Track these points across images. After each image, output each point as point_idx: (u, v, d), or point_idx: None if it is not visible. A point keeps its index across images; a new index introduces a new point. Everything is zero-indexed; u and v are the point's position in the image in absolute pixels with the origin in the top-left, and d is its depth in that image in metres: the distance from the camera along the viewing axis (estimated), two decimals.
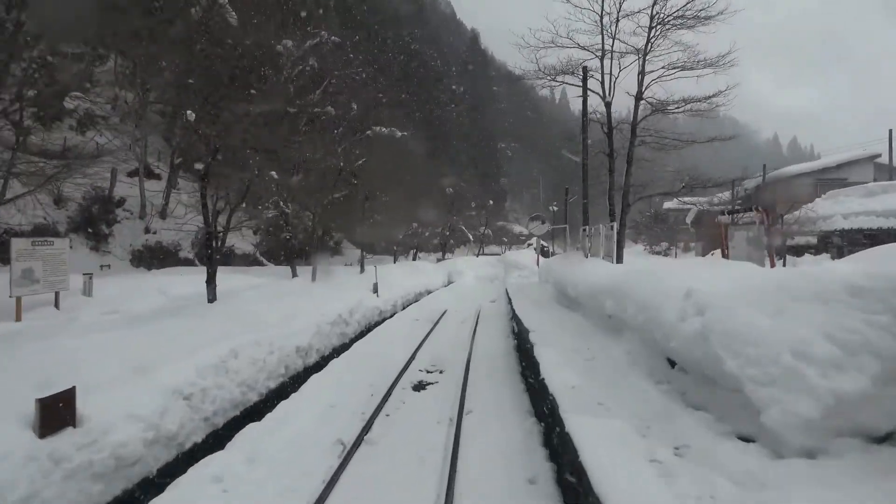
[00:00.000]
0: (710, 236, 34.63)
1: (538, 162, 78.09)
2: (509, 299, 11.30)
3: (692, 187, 11.20)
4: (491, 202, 43.34)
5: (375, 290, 12.43)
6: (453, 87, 56.58)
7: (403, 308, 13.73)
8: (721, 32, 9.91)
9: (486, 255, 42.32)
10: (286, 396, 5.97)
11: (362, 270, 15.58)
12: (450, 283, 20.05)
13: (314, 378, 6.50)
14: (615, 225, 8.41)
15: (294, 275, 16.70)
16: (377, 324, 11.37)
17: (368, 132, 30.18)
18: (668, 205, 58.57)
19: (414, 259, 24.60)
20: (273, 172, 17.50)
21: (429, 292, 17.31)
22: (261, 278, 14.54)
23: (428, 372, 6.95)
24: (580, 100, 11.80)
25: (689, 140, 10.96)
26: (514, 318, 8.64)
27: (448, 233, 26.77)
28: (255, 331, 6.86)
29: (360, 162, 25.85)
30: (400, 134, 30.77)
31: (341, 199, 23.44)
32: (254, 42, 21.07)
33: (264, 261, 25.55)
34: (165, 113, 24.67)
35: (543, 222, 14.92)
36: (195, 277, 12.65)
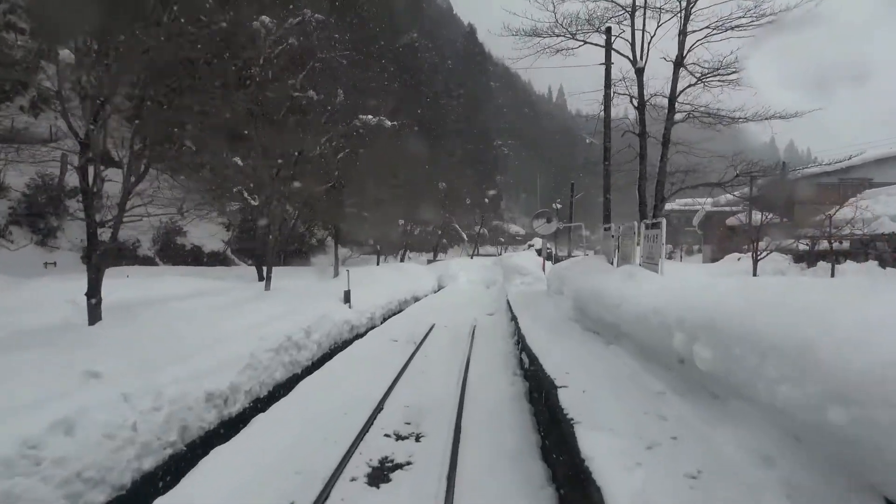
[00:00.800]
0: (720, 239, 32.59)
1: (536, 161, 76.00)
2: (513, 315, 9.01)
3: (750, 175, 8.91)
4: (487, 200, 41.11)
5: (347, 300, 10.12)
6: (449, 82, 54.27)
7: (383, 320, 11.41)
8: None
9: (482, 255, 39.99)
10: (161, 490, 3.66)
11: (336, 274, 13.25)
12: (440, 287, 17.74)
13: (217, 453, 4.17)
14: (662, 222, 6.14)
15: (261, 278, 14.36)
16: (346, 343, 9.05)
17: (356, 121, 27.90)
18: (669, 205, 56.65)
19: (402, 260, 22.24)
20: (237, 159, 15.15)
21: (416, 299, 15.00)
22: (215, 282, 12.18)
23: (398, 438, 4.61)
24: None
25: (741, 118, 8.69)
26: (523, 346, 6.34)
27: (440, 231, 24.46)
28: (140, 373, 4.53)
29: (342, 153, 23.57)
30: (390, 124, 28.49)
31: (324, 193, 21.28)
32: (230, 20, 18.71)
33: (236, 260, 23.10)
34: (134, 96, 22.34)
35: (550, 220, 12.59)
36: (143, 280, 10.39)
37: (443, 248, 41.23)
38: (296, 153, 16.31)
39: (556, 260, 19.64)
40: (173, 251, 22.08)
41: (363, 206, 22.32)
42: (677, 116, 8.73)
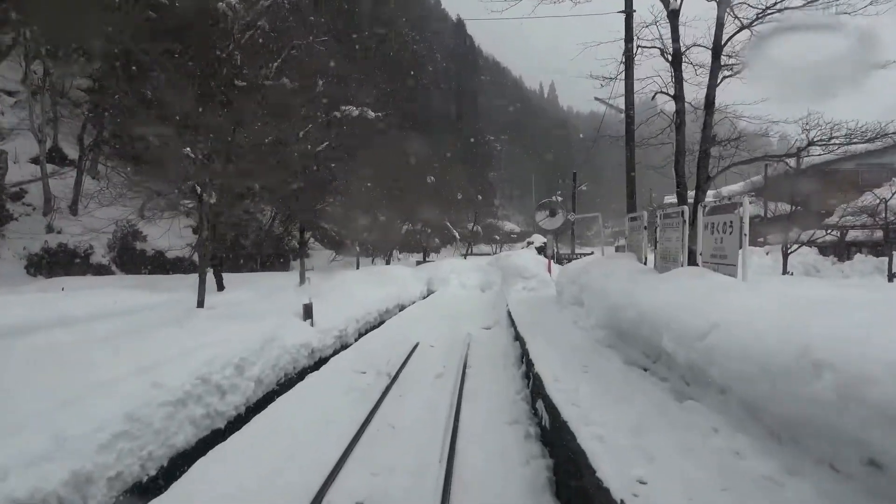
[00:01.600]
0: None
1: (529, 157, 74.15)
2: (517, 334, 6.98)
3: (829, 144, 6.91)
4: (480, 197, 39.10)
5: (308, 315, 8.07)
6: (438, 75, 52.19)
7: (358, 337, 9.36)
8: None
9: (476, 254, 37.94)
10: None
11: (302, 281, 11.15)
12: (430, 293, 15.69)
13: None
14: (743, 201, 4.16)
15: (220, 286, 12.28)
16: (305, 372, 7.00)
17: (336, 113, 25.90)
18: (669, 198, 54.83)
19: (389, 262, 20.15)
20: (188, 150, 13.03)
21: (401, 308, 12.94)
22: (154, 295, 10.10)
23: None
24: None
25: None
26: (538, 390, 4.28)
27: (430, 230, 22.41)
28: None
29: (321, 147, 21.48)
30: (374, 115, 26.45)
31: (299, 189, 19.19)
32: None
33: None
34: (93, 89, 20.23)
35: (554, 213, 10.57)
36: (69, 294, 8.37)
37: (435, 249, 39.14)
38: (232, 137, 14.27)
39: (561, 259, 17.67)
40: (132, 257, 19.84)
41: (345, 203, 20.25)
42: (723, 73, 6.75)
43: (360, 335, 9.77)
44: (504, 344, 7.70)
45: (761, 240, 22.61)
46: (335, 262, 26.65)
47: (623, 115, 7.82)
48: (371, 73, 30.21)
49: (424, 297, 15.20)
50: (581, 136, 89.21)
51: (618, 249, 10.93)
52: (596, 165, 52.85)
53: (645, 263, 6.42)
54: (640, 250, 6.53)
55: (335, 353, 8.12)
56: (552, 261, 16.97)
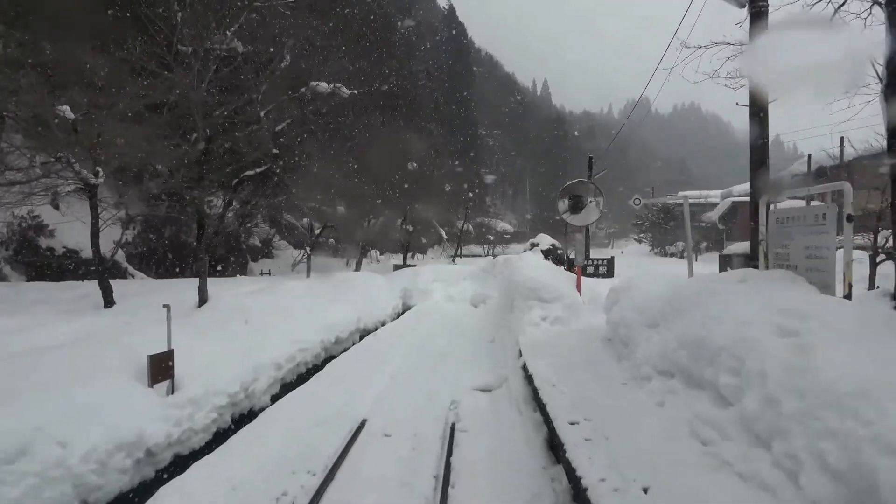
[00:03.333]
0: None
1: (524, 154, 70.74)
2: (553, 438, 3.30)
3: None
4: (471, 194, 35.41)
5: (164, 375, 4.38)
6: (427, 61, 48.39)
7: (274, 398, 5.70)
8: None
9: (467, 256, 34.21)
10: None
11: (202, 302, 7.36)
12: (405, 309, 12.04)
13: None
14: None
15: (108, 301, 8.53)
16: None
17: (303, 89, 21.96)
18: (671, 199, 51.64)
19: (358, 266, 16.38)
20: (65, 108, 9.30)
21: (362, 334, 9.28)
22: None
23: None
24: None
25: None
26: None
27: (411, 227, 18.70)
28: None
29: (283, 125, 17.77)
30: (348, 93, 22.53)
31: (255, 176, 15.57)
32: None
33: (130, 270, 16.98)
34: None
35: (583, 202, 6.91)
36: None
37: (421, 249, 35.35)
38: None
39: (562, 263, 13.97)
40: (35, 258, 15.89)
41: (307, 193, 16.46)
42: None
43: (283, 389, 6.08)
44: (519, 443, 4.01)
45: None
46: (300, 264, 22.79)
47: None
48: (349, 48, 26.40)
49: (399, 315, 11.51)
50: (576, 132, 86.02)
51: (681, 255, 7.32)
52: (604, 161, 49.37)
53: (849, 296, 2.92)
54: (824, 270, 3.02)
55: (201, 448, 4.39)
56: (558, 265, 13.35)
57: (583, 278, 8.73)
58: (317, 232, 11.19)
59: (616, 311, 4.85)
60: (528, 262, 11.11)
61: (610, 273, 14.34)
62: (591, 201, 6.99)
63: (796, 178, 25.75)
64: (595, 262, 14.80)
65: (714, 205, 39.19)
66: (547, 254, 13.50)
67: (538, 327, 5.76)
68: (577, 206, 7.41)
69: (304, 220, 10.85)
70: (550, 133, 68.44)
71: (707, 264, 25.92)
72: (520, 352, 5.25)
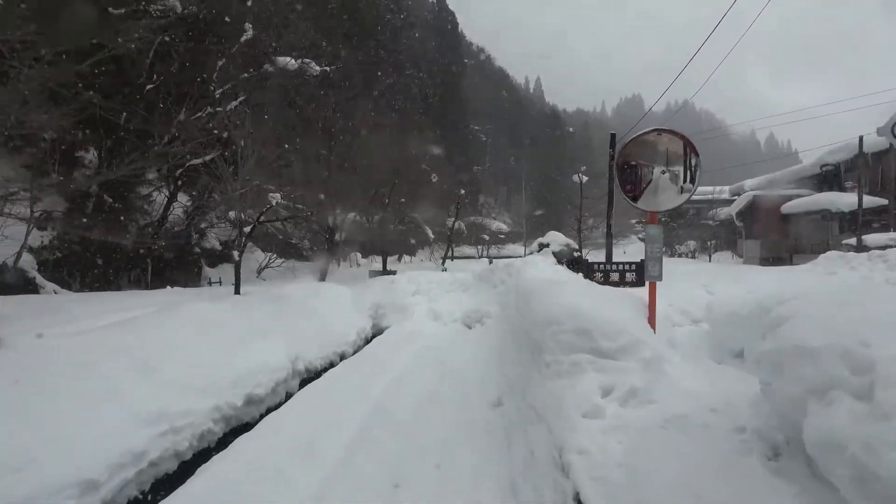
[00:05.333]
0: (774, 233, 24.21)
1: (518, 152, 67.93)
2: None
3: None
4: (463, 191, 32.39)
5: None
6: (415, 49, 45.34)
7: None
8: None
9: (459, 258, 31.14)
10: None
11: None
12: (376, 333, 9.00)
13: None
14: None
15: None
16: None
17: (267, 65, 18.78)
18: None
19: (323, 276, 13.24)
20: None
21: (304, 379, 6.24)
22: None
23: None
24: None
25: None
26: None
27: (392, 224, 15.60)
28: None
29: (236, 102, 14.82)
30: (319, 69, 19.41)
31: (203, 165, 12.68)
32: None
33: (40, 282, 13.68)
34: None
35: (658, 177, 4.09)
36: None
37: (409, 251, 32.22)
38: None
39: (578, 264, 10.92)
40: None
41: (267, 181, 13.27)
42: None
43: None
44: None
45: (849, 242, 16.52)
46: (273, 268, 19.57)
47: None
48: (321, 21, 23.25)
49: (367, 342, 8.46)
50: (571, 129, 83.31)
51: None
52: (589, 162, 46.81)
53: None
54: None
55: None
56: (574, 272, 10.30)
57: (608, 288, 5.71)
58: (247, 229, 8.06)
59: (793, 371, 1.88)
60: (540, 269, 8.08)
61: (640, 280, 11.25)
62: (672, 170, 3.97)
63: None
64: (620, 267, 11.67)
65: (724, 201, 36.46)
66: (560, 256, 10.50)
67: (601, 418, 2.73)
68: (651, 178, 4.24)
69: (230, 212, 7.77)
70: (545, 129, 65.69)
71: (726, 265, 23.10)
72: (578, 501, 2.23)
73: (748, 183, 36.50)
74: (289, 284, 9.69)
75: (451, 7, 56.09)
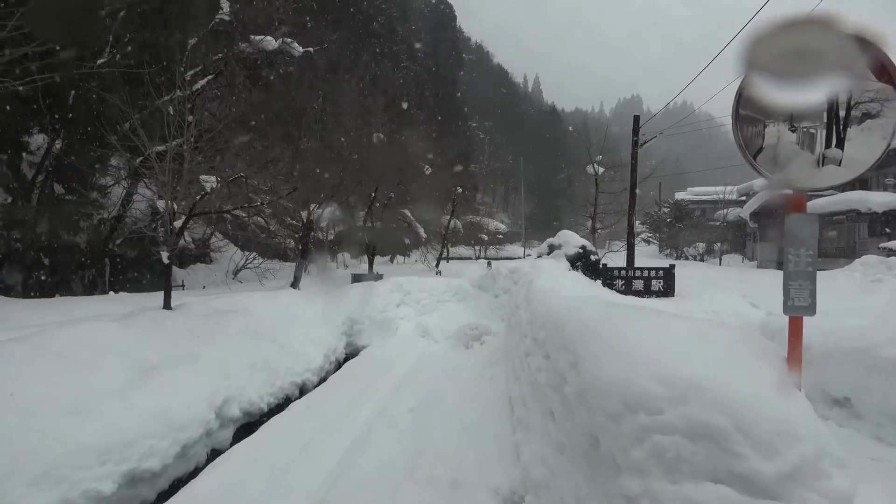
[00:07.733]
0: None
1: (517, 150, 66.21)
2: None
3: None
4: (459, 190, 30.56)
5: None
6: (411, 40, 43.58)
7: None
8: None
9: (455, 259, 29.36)
10: None
11: None
12: (350, 354, 7.26)
13: None
14: None
15: None
16: None
17: (244, 45, 16.78)
18: (680, 195, 47.23)
19: (296, 281, 11.48)
20: None
21: (249, 420, 4.51)
22: None
23: None
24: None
25: None
26: None
27: (372, 223, 13.80)
28: None
29: (204, 81, 12.73)
30: (302, 50, 17.48)
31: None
32: None
33: None
34: None
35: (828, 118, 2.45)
36: None
37: (403, 251, 30.42)
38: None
39: (612, 280, 9.03)
40: None
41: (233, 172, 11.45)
42: None
43: None
44: None
45: (888, 246, 14.90)
46: (250, 270, 17.74)
47: None
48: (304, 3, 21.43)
49: (336, 367, 6.72)
50: (571, 128, 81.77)
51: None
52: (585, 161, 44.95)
53: None
54: None
55: None
56: (585, 277, 8.52)
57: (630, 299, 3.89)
58: (178, 223, 6.30)
59: None
60: (553, 278, 6.35)
61: (670, 290, 9.62)
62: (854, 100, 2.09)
63: None
64: (645, 274, 10.02)
65: (733, 202, 34.83)
66: (575, 260, 8.66)
67: None
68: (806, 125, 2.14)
69: (159, 200, 6.01)
70: (544, 128, 64.08)
71: (742, 269, 21.36)
72: None
73: (758, 183, 34.92)
74: (243, 294, 7.90)
75: (448, 0, 54.39)
